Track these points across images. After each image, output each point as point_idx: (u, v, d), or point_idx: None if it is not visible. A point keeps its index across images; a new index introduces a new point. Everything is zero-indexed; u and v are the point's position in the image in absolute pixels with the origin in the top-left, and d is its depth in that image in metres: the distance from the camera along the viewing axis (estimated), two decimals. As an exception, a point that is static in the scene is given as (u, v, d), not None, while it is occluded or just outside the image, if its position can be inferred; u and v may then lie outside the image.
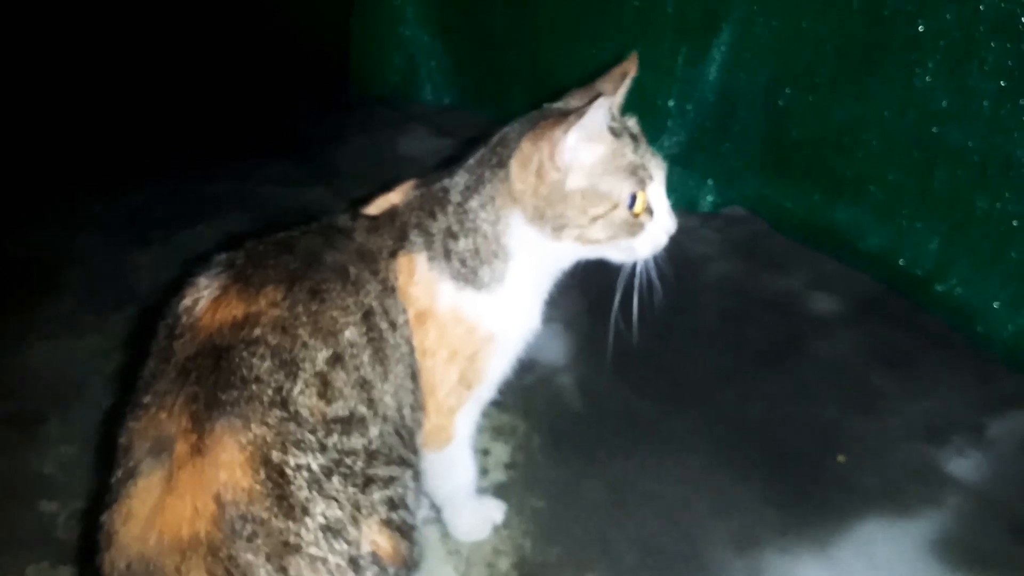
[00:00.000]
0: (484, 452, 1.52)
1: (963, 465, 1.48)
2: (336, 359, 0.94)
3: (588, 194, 1.03)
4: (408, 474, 1.00)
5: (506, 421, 1.60)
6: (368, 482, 0.92)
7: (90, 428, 1.59)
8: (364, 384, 0.97)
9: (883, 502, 1.41)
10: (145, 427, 0.86)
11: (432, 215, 1.10)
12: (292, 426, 0.87)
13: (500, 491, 1.44)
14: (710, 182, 1.76)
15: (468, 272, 1.08)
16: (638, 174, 1.04)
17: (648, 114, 1.78)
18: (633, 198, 1.03)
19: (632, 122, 1.11)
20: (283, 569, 0.81)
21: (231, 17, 3.83)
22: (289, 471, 0.84)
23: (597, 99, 0.97)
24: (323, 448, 0.88)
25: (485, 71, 2.25)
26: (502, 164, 1.07)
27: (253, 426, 0.84)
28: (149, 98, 3.35)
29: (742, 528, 1.37)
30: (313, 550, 0.83)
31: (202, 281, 0.97)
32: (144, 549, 0.80)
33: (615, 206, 1.03)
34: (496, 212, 1.07)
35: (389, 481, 0.95)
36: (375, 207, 1.16)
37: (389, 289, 1.06)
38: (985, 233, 1.43)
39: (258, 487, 0.82)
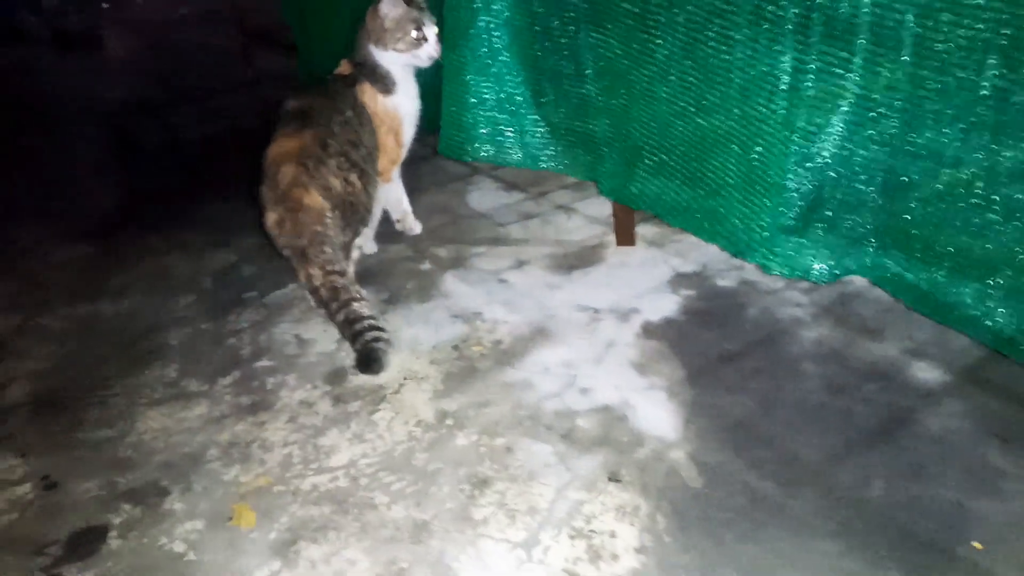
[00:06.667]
0: (611, 535, 1.51)
1: (1100, 554, 1.45)
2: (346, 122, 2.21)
3: (395, 28, 2.28)
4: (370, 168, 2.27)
5: (627, 499, 1.59)
6: (353, 165, 2.15)
7: (214, 502, 1.57)
8: (356, 135, 2.21)
9: (1023, 593, 1.38)
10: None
11: (360, 65, 2.36)
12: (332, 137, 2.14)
13: (633, 577, 1.41)
14: (826, 252, 1.75)
15: (383, 86, 2.33)
16: (417, 21, 2.27)
17: (759, 185, 1.79)
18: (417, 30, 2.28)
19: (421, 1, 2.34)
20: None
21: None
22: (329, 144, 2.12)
23: None
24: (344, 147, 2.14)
25: (579, 138, 2.26)
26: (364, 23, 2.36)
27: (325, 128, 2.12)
28: (230, 152, 3.39)
29: (885, 621, 1.34)
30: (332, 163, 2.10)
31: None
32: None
33: (408, 33, 2.27)
34: (366, 47, 2.32)
35: (366, 166, 2.23)
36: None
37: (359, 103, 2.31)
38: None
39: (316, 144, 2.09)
